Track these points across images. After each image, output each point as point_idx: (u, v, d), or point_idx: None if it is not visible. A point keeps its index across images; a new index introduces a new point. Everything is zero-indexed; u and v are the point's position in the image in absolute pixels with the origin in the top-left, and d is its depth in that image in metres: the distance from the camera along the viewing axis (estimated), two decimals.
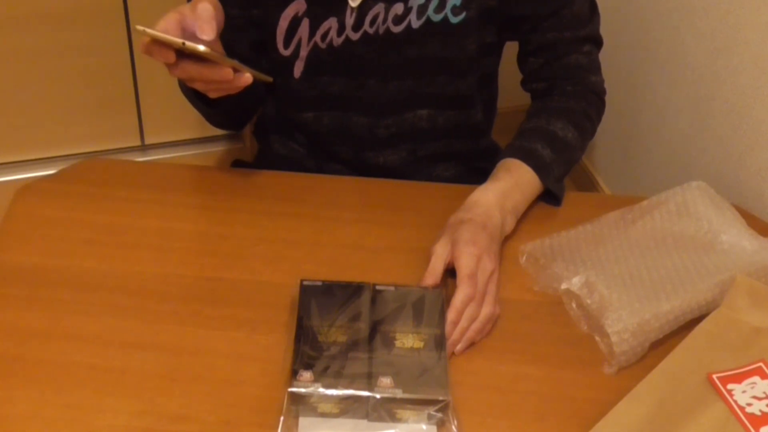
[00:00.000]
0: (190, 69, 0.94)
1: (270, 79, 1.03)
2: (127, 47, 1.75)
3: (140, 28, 0.88)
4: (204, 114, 1.20)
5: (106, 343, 0.96)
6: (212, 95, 1.01)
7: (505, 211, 1.10)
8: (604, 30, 1.27)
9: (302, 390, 0.88)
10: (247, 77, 0.95)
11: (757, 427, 0.88)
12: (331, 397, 0.88)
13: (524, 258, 1.09)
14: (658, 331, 0.99)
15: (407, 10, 1.13)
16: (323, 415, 0.89)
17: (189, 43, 0.89)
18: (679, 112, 1.60)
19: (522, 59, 1.27)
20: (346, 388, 0.88)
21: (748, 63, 1.38)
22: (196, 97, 1.11)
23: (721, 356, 0.96)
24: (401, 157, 1.26)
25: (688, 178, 1.20)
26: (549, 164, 1.16)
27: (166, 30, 0.90)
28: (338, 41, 1.15)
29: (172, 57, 0.91)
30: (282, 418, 0.88)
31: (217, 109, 1.14)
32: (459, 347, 0.97)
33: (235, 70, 0.94)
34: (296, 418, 0.89)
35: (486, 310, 0.99)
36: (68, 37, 1.70)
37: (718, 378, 0.93)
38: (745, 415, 0.89)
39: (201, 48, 0.89)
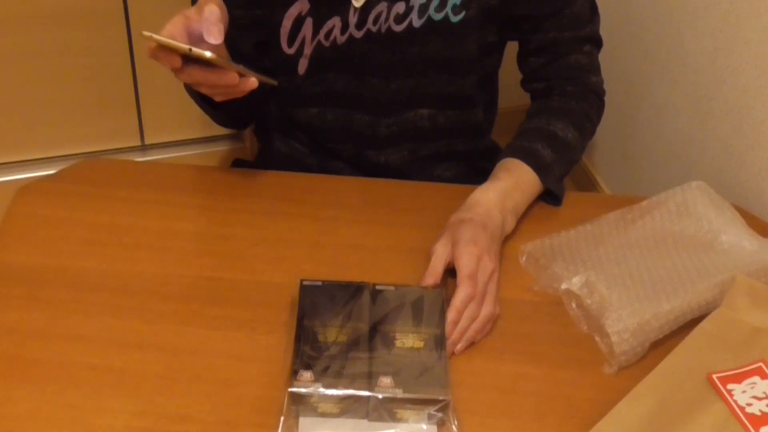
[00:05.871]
0: (196, 74, 0.93)
1: (275, 82, 1.03)
2: (127, 47, 1.75)
3: (147, 33, 0.87)
4: (209, 115, 1.20)
5: (105, 343, 0.96)
6: (218, 99, 1.01)
7: (506, 210, 1.10)
8: (604, 30, 1.27)
9: (302, 390, 0.88)
10: (252, 82, 0.95)
11: (757, 427, 0.88)
12: (332, 397, 0.88)
13: (524, 258, 1.09)
14: (658, 331, 0.99)
15: (409, 9, 1.13)
16: (323, 415, 0.89)
17: (196, 50, 0.88)
18: (679, 112, 1.60)
19: (522, 59, 1.27)
20: (347, 388, 0.88)
21: (748, 63, 1.38)
22: (201, 100, 1.12)
23: (721, 356, 0.96)
24: (402, 156, 1.26)
25: (688, 178, 1.20)
26: (549, 164, 1.16)
27: (172, 34, 0.89)
28: (342, 39, 1.16)
29: (178, 62, 0.91)
30: (282, 418, 0.88)
31: (222, 111, 1.14)
32: (459, 347, 0.97)
33: (241, 75, 0.94)
34: (296, 418, 0.89)
35: (486, 310, 0.99)
36: (68, 37, 1.69)
37: (718, 378, 0.93)
38: (745, 415, 0.89)
39: (208, 54, 0.89)
